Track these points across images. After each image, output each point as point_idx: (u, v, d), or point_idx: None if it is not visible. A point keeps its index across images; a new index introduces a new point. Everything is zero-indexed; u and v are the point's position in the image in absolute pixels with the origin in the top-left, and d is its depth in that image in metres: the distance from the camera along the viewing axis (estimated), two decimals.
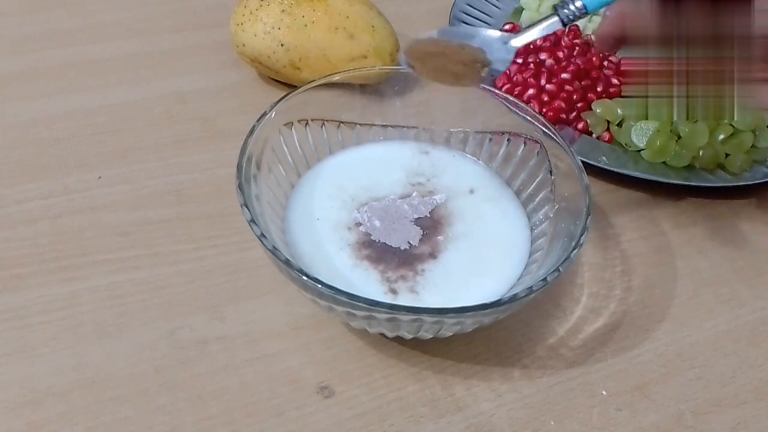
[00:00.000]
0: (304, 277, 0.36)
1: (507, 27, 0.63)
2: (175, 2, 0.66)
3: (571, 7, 0.42)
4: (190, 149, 0.52)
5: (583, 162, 0.44)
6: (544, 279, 0.37)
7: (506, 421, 0.40)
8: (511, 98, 0.47)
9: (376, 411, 0.39)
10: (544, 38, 0.59)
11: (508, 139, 0.48)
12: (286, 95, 0.45)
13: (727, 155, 0.54)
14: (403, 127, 0.49)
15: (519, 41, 0.44)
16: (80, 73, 0.58)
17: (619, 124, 0.56)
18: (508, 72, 0.58)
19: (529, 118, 0.46)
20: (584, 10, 0.42)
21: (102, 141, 0.52)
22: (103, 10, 0.64)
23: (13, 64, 0.58)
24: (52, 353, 0.40)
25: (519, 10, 0.67)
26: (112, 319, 0.42)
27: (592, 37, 0.63)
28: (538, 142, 0.46)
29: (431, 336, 0.39)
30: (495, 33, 0.44)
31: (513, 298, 0.37)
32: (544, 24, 0.43)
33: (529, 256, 0.44)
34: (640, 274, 0.48)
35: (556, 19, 0.42)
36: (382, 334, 0.41)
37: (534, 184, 0.46)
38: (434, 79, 0.43)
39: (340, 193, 0.45)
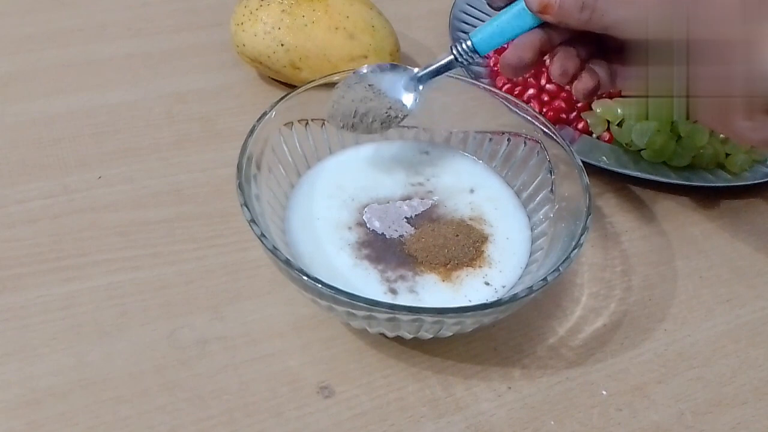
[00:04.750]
0: (304, 277, 0.36)
1: None
2: (175, 2, 0.66)
3: (464, 45, 0.42)
4: (190, 149, 0.52)
5: (583, 162, 0.44)
6: (544, 279, 0.37)
7: (506, 421, 0.40)
8: (511, 98, 0.47)
9: (376, 411, 0.39)
10: None
11: (508, 139, 0.48)
12: (286, 95, 0.45)
13: (727, 155, 0.54)
14: (403, 127, 0.49)
15: (423, 77, 0.44)
16: (80, 73, 0.58)
17: (619, 124, 0.56)
18: None
19: (529, 118, 0.46)
20: (475, 50, 0.42)
21: (102, 141, 0.52)
22: (103, 10, 0.64)
23: (13, 64, 0.58)
24: (52, 353, 0.40)
25: None
26: (112, 319, 0.42)
27: None
28: (538, 142, 0.46)
29: (431, 336, 0.39)
30: (404, 72, 0.44)
31: (513, 298, 0.37)
32: (441, 62, 0.43)
33: (529, 256, 0.44)
34: (640, 274, 0.48)
35: (451, 57, 0.43)
36: (382, 334, 0.41)
37: (534, 184, 0.46)
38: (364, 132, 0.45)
39: (340, 193, 0.45)
